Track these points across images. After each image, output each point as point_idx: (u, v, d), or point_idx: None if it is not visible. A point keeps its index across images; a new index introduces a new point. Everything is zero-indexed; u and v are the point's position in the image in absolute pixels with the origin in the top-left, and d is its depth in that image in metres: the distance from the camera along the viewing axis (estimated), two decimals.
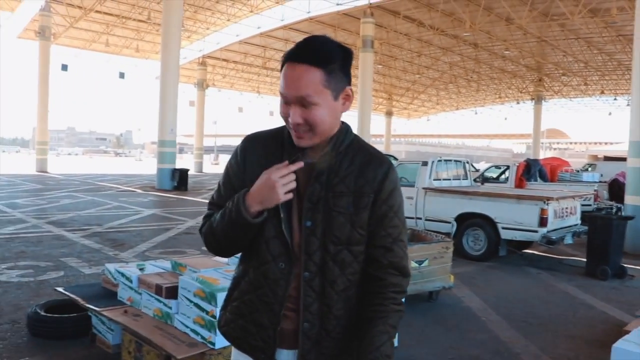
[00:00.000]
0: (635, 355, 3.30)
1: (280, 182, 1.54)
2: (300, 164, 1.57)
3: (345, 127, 1.72)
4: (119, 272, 4.50)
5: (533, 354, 4.88)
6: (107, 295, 4.65)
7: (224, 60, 40.46)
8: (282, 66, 1.59)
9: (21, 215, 12.68)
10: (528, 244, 9.87)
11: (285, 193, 1.57)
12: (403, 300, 1.73)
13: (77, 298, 4.55)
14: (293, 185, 1.57)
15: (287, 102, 1.59)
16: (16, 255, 8.12)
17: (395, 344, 4.84)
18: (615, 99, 43.50)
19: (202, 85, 41.06)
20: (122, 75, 38.69)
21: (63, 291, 4.85)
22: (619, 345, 3.41)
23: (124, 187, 23.12)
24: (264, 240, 1.65)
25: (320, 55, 1.56)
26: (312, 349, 1.64)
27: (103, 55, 39.79)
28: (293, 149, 1.65)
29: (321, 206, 1.63)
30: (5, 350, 4.35)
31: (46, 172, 31.69)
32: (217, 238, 1.68)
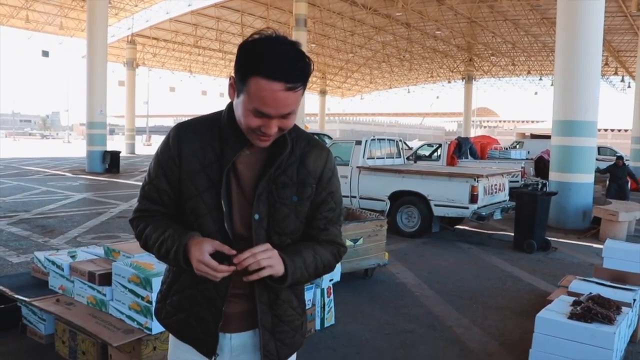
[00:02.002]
0: (556, 323, 3.49)
1: (221, 273, 1.50)
2: (231, 268, 1.50)
3: None
4: (49, 260, 4.35)
5: (464, 326, 5.08)
6: (38, 284, 4.50)
7: (154, 38, 39.23)
8: (252, 76, 1.45)
9: None
10: (460, 220, 10.19)
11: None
12: (338, 264, 1.83)
13: (4, 289, 4.37)
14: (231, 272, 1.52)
15: (267, 117, 1.50)
16: None
17: (332, 321, 4.97)
18: (540, 79, 45.09)
19: (131, 64, 39.77)
20: (45, 54, 36.82)
21: None
22: (542, 314, 3.60)
23: (52, 170, 22.21)
24: (205, 235, 1.61)
25: (308, 75, 1.50)
26: (270, 337, 1.71)
27: (24, 32, 37.79)
28: (234, 141, 1.60)
29: (265, 198, 1.63)
30: None
31: None
32: (152, 252, 1.70)
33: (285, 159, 1.64)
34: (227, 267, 1.46)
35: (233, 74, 1.54)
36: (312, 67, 1.51)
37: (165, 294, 1.76)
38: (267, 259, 1.52)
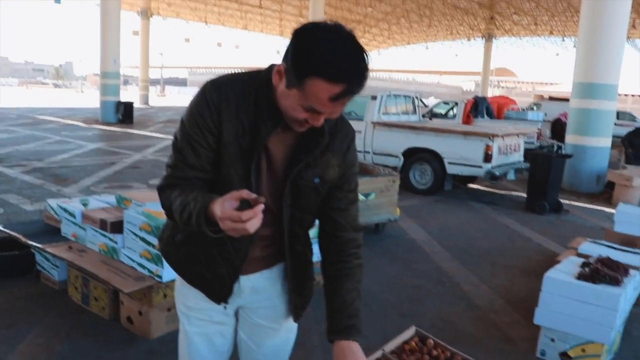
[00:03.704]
0: (563, 283, 3.49)
1: (252, 225, 1.30)
2: (260, 207, 1.31)
3: None
4: (61, 207, 4.39)
5: (473, 283, 5.11)
6: (50, 231, 4.54)
7: None
8: (312, 76, 1.34)
9: None
10: (473, 178, 10.16)
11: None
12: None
13: (18, 235, 4.43)
14: (260, 219, 1.32)
15: (318, 113, 1.43)
16: None
17: None
18: (563, 40, 44.05)
19: (146, 13, 39.34)
20: (57, 1, 36.41)
21: (3, 229, 4.70)
22: (550, 274, 3.60)
23: (65, 120, 22.28)
24: None
25: (367, 78, 1.41)
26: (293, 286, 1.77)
27: None
28: (269, 118, 1.52)
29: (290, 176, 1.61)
30: None
31: None
32: (175, 219, 1.53)
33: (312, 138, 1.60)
34: (251, 210, 1.29)
35: (283, 62, 1.42)
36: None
37: (180, 242, 1.71)
38: None
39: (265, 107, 1.51)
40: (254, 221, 1.28)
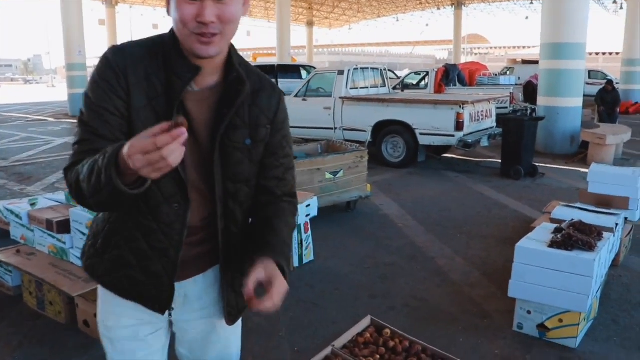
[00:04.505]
0: (536, 252, 3.34)
1: (170, 152, 1.05)
2: (183, 130, 1.05)
3: (231, 44, 1.46)
4: (7, 209, 4.15)
5: (447, 257, 4.97)
6: (4, 234, 4.32)
7: None
8: None
9: None
10: (446, 148, 10.01)
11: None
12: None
13: None
14: (182, 150, 1.08)
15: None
16: None
17: (311, 257, 4.85)
18: (531, 3, 43.90)
19: (110, 1, 38.42)
20: None
21: None
22: (522, 244, 3.44)
23: (33, 116, 21.70)
24: (155, 183, 1.31)
25: None
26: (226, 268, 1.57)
27: None
28: (183, 70, 1.36)
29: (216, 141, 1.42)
30: None
31: None
32: (86, 199, 1.26)
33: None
34: (167, 134, 1.04)
35: None
36: None
37: (103, 248, 1.50)
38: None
39: (177, 58, 1.37)
40: (171, 147, 1.03)
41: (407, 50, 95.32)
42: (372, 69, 11.01)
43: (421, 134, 8.93)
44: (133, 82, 1.34)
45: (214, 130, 1.41)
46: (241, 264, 1.49)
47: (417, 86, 16.43)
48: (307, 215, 4.78)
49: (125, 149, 1.07)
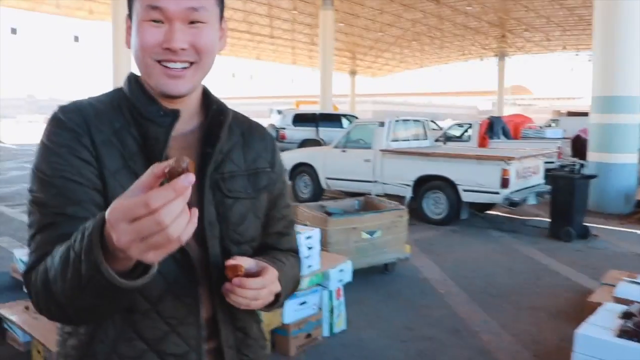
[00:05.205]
0: (601, 343, 2.87)
1: (171, 216, 0.71)
2: (191, 177, 0.73)
3: (203, 85, 1.19)
4: (22, 260, 3.91)
5: (493, 331, 4.49)
6: (17, 285, 4.07)
7: None
8: None
9: None
10: (490, 205, 9.53)
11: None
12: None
13: None
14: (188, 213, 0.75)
15: (164, 19, 1.04)
16: None
17: (343, 326, 4.44)
18: (577, 54, 43.43)
19: None
20: (76, 39, 36.90)
21: None
22: (584, 330, 2.98)
23: None
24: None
25: None
26: None
27: (55, 18, 37.73)
28: (157, 115, 1.09)
29: (211, 194, 1.12)
30: None
31: (1, 142, 30.20)
32: (62, 309, 0.92)
33: (226, 137, 1.16)
34: (167, 186, 0.71)
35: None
36: None
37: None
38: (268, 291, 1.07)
39: (146, 107, 1.10)
40: (173, 207, 0.70)
41: (450, 101, 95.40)
42: (414, 120, 10.71)
43: (464, 190, 8.50)
44: (100, 141, 1.05)
45: (201, 178, 1.09)
46: None
47: (460, 138, 16.03)
48: (340, 281, 4.40)
49: (107, 215, 0.75)
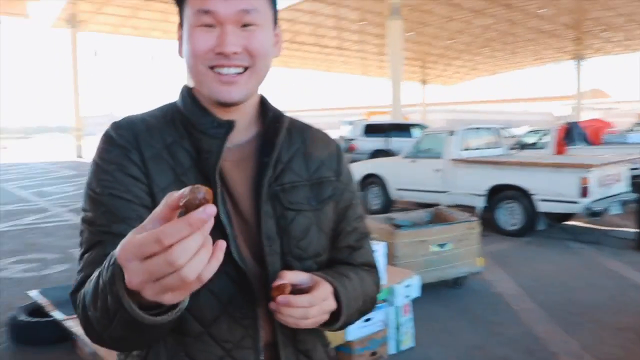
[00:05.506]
0: None
1: (185, 254, 0.63)
2: (210, 209, 0.64)
3: (259, 93, 1.14)
4: None
5: (574, 353, 4.17)
6: None
7: None
8: None
9: (45, 204, 12.58)
10: (569, 215, 9.05)
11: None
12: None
13: (46, 303, 4.07)
14: (209, 252, 0.66)
15: (216, 22, 1.01)
16: (26, 247, 7.94)
17: (411, 343, 4.26)
18: None
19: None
20: (152, 58, 38.55)
21: (33, 295, 4.38)
22: None
23: None
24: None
25: None
26: None
27: (133, 39, 39.64)
28: (211, 126, 1.05)
29: (270, 207, 1.06)
30: None
31: (82, 158, 31.79)
32: (100, 335, 0.87)
33: (286, 146, 1.12)
34: (183, 219, 0.62)
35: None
36: None
37: None
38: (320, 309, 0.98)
39: (200, 119, 1.06)
40: (188, 244, 0.62)
41: (524, 107, 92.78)
42: (486, 128, 10.40)
43: (540, 200, 8.10)
44: (150, 156, 1.02)
45: (257, 189, 1.05)
46: None
47: (534, 145, 15.42)
48: (407, 297, 4.22)
49: (117, 252, 0.69)
